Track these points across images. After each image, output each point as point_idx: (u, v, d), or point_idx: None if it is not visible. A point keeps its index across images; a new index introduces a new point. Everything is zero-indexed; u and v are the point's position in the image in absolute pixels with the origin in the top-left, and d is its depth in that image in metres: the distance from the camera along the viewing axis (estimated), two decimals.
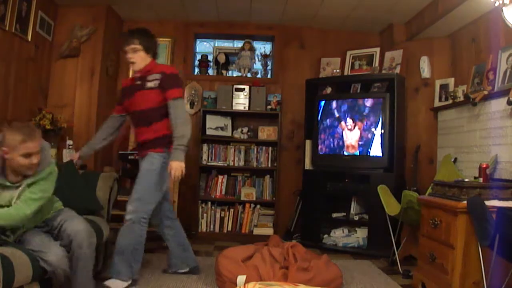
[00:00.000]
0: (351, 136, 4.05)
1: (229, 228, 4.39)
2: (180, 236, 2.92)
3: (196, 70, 4.84)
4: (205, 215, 4.38)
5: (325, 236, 4.14)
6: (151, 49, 2.70)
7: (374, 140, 3.91)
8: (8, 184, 1.99)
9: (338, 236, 4.09)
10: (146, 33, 2.69)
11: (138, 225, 2.55)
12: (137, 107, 2.70)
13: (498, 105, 3.09)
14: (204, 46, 5.05)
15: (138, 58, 2.64)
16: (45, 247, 1.96)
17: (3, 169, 2.00)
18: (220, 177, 4.48)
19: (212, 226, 4.39)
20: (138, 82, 2.70)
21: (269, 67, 4.82)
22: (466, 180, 2.73)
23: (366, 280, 2.99)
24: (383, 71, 4.28)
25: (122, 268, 2.50)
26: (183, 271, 2.91)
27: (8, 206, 1.97)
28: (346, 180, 4.09)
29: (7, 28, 3.23)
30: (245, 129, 4.54)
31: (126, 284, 2.51)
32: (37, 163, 2.02)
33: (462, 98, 3.53)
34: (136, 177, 2.67)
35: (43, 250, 1.93)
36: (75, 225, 2.11)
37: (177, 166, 2.50)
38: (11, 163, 1.98)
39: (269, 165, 4.48)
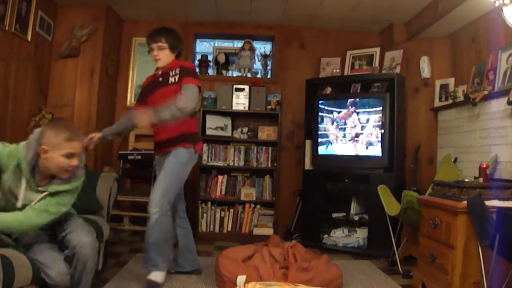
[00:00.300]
0: (351, 136, 4.04)
1: (229, 228, 4.39)
2: (189, 237, 2.95)
3: (196, 70, 4.83)
4: (205, 215, 4.38)
5: (325, 236, 4.14)
6: (176, 48, 2.76)
7: (374, 140, 3.91)
8: (32, 184, 1.88)
9: (338, 236, 4.09)
10: (172, 32, 2.75)
11: (165, 216, 2.56)
12: (160, 103, 2.67)
13: (498, 105, 3.09)
14: (204, 46, 5.05)
15: (163, 56, 2.69)
16: (50, 261, 1.89)
17: (34, 168, 1.89)
18: (220, 177, 4.48)
19: (212, 226, 4.38)
20: (161, 79, 2.73)
21: (269, 67, 4.82)
22: (466, 180, 2.73)
23: (366, 280, 2.99)
24: (383, 71, 4.28)
25: (158, 260, 2.54)
26: (185, 270, 2.91)
27: (26, 205, 1.88)
28: (346, 180, 4.08)
29: (7, 28, 3.23)
30: (245, 129, 4.54)
31: (164, 273, 2.57)
32: (76, 165, 1.92)
33: (462, 98, 3.53)
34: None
35: (48, 265, 1.88)
36: (82, 237, 2.00)
37: (147, 115, 2.36)
38: (47, 163, 1.87)
39: (269, 165, 4.48)
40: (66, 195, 1.95)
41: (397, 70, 4.19)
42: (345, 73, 4.55)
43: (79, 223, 2.10)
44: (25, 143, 1.89)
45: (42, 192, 1.89)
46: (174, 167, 2.62)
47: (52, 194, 1.91)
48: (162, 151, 2.73)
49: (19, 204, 1.88)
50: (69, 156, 1.88)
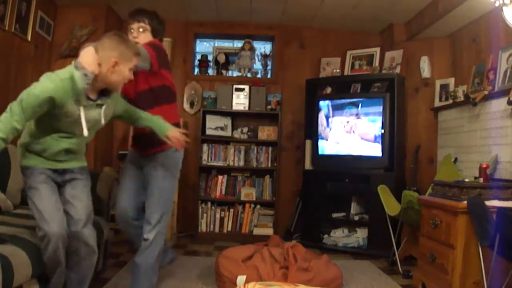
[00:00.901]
0: (351, 136, 4.04)
1: (229, 228, 4.39)
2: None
3: (196, 70, 4.84)
4: (205, 215, 4.38)
5: (325, 236, 4.14)
6: (159, 34, 2.40)
7: (374, 140, 3.91)
8: (89, 102, 1.86)
9: (338, 236, 4.09)
10: (157, 16, 2.41)
11: (161, 235, 2.35)
12: (134, 91, 2.31)
13: (498, 105, 3.08)
14: (204, 46, 5.05)
15: (143, 40, 2.29)
16: (52, 215, 1.84)
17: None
18: (220, 177, 4.47)
19: (212, 226, 4.38)
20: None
21: (269, 67, 4.81)
22: (466, 180, 2.73)
23: (366, 280, 2.99)
24: (383, 71, 4.28)
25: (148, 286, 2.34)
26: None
27: (93, 124, 1.92)
28: (346, 180, 4.08)
29: (6, 28, 3.23)
30: (245, 129, 4.54)
31: None
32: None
33: (462, 98, 3.53)
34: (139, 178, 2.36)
35: (47, 219, 1.82)
36: (89, 228, 1.98)
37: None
38: (111, 76, 1.85)
39: (269, 165, 4.48)
40: (114, 103, 2.04)
41: (397, 70, 4.19)
42: (345, 73, 4.55)
43: (85, 204, 2.03)
44: (79, 74, 1.81)
45: (100, 105, 1.91)
46: (170, 184, 2.35)
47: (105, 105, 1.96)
48: (143, 151, 2.36)
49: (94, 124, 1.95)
50: (132, 69, 1.91)
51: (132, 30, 2.32)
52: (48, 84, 1.75)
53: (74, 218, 1.96)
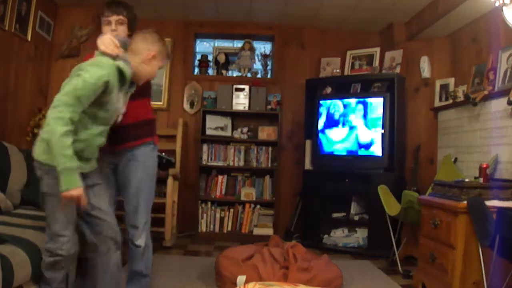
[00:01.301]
0: (351, 136, 4.04)
1: (229, 228, 4.39)
2: None
3: (196, 70, 4.84)
4: (205, 215, 4.38)
5: (325, 236, 4.14)
6: (133, 26, 2.34)
7: (374, 140, 3.91)
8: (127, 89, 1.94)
9: (338, 236, 4.09)
10: (132, 7, 2.36)
11: (149, 236, 2.27)
12: None
13: (498, 105, 3.09)
14: (204, 46, 5.05)
15: (122, 32, 2.22)
16: (68, 230, 1.78)
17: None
18: (220, 177, 4.47)
19: (212, 226, 4.38)
20: None
21: (269, 67, 4.81)
22: (466, 180, 2.73)
23: (366, 280, 2.99)
24: (383, 71, 4.28)
25: None
26: None
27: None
28: (346, 180, 4.08)
29: (6, 28, 3.23)
30: (245, 129, 4.54)
31: None
32: None
33: (462, 98, 3.53)
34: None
35: (61, 235, 1.76)
36: (114, 229, 1.95)
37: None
38: (143, 68, 1.93)
39: (269, 165, 4.48)
40: None
41: (397, 70, 4.19)
42: (345, 73, 4.55)
43: (109, 209, 1.98)
44: (122, 63, 1.83)
45: (126, 93, 1.97)
46: (154, 185, 2.26)
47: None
48: (120, 144, 2.16)
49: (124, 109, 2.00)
50: (159, 68, 2.00)
51: (110, 23, 2.23)
52: (100, 71, 1.73)
53: (108, 221, 1.93)
